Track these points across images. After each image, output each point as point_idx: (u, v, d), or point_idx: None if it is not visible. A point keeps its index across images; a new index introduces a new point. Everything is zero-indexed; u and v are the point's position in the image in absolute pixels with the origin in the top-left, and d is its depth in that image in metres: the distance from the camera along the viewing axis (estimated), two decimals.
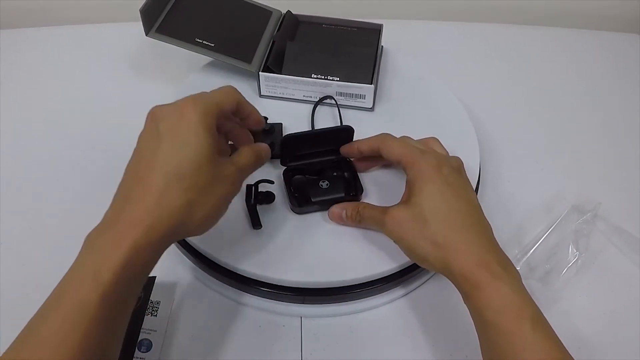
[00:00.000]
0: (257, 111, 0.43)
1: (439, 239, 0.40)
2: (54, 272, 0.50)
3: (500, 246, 0.41)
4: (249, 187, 0.48)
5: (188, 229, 0.36)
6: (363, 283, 0.46)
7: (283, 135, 0.53)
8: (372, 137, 0.48)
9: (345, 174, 0.50)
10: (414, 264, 0.47)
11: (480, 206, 0.43)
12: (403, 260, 0.46)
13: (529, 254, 0.52)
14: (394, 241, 0.44)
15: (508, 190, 0.59)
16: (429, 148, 0.46)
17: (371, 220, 0.45)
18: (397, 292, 0.49)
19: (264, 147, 0.43)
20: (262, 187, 0.49)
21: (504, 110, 0.68)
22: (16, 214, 0.55)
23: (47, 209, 0.56)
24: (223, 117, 0.40)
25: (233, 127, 0.43)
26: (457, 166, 0.44)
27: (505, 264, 0.40)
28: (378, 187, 0.51)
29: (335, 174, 0.50)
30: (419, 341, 0.47)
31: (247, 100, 0.41)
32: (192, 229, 0.37)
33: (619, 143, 0.65)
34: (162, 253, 0.36)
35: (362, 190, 0.49)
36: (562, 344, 0.37)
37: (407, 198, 0.43)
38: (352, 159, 0.50)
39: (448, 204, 0.41)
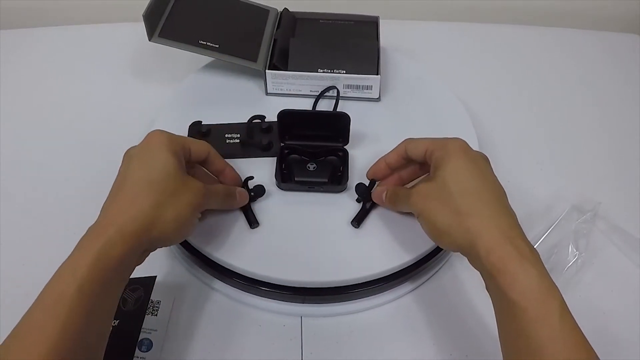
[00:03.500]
0: (233, 169, 0.48)
1: (464, 208, 0.39)
2: (53, 270, 0.50)
3: None
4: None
5: (159, 231, 0.39)
6: (363, 283, 0.46)
7: None
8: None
9: (338, 162, 0.51)
10: (414, 264, 0.47)
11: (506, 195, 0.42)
12: (403, 260, 0.46)
13: None
14: (417, 216, 0.43)
15: (508, 189, 0.58)
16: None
17: (403, 198, 0.45)
18: (397, 291, 0.49)
19: (241, 191, 0.48)
20: (251, 184, 0.49)
21: (504, 110, 0.68)
22: (16, 214, 0.55)
23: (47, 209, 0.56)
24: (191, 160, 0.45)
25: (212, 180, 0.48)
26: (485, 157, 0.44)
27: (529, 243, 0.38)
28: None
29: (327, 159, 0.52)
30: (419, 341, 0.47)
31: (221, 158, 0.47)
32: (163, 233, 0.39)
33: (618, 143, 0.65)
34: (138, 254, 0.39)
35: (347, 179, 0.49)
36: (587, 340, 0.35)
37: (433, 173, 0.43)
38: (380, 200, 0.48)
39: (475, 179, 0.40)
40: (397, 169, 0.48)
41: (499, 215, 0.39)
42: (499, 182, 0.42)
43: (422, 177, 0.47)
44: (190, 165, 0.45)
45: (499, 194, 0.41)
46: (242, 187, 0.48)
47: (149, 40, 0.55)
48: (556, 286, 0.36)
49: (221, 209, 0.48)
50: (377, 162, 0.48)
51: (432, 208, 0.41)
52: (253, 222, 0.47)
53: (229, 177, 0.48)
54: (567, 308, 0.35)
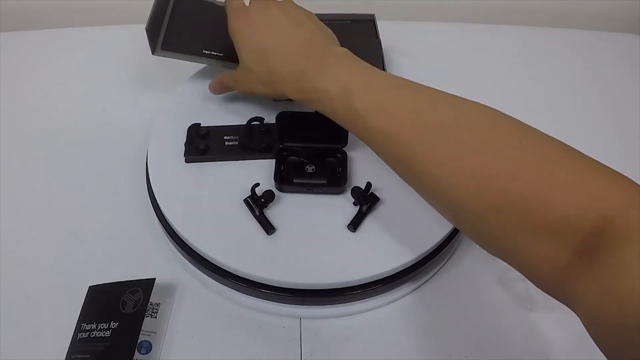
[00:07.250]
0: None
1: (265, 78, 0.46)
2: (54, 272, 0.51)
3: None
4: (246, 201, 0.48)
5: None
6: (362, 284, 0.46)
7: None
8: None
9: (336, 163, 0.51)
10: (413, 265, 0.47)
11: (298, 11, 0.48)
12: (402, 261, 0.46)
13: None
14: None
15: None
16: None
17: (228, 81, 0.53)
18: (397, 293, 0.49)
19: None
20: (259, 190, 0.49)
21: (504, 110, 0.67)
22: (16, 214, 0.55)
23: (46, 209, 0.56)
24: None
25: None
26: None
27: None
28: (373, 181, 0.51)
29: (325, 161, 0.51)
30: (419, 342, 0.47)
31: None
32: None
33: (619, 143, 0.65)
34: None
35: (345, 181, 0.49)
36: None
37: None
38: None
39: (256, 42, 0.46)
40: None
41: (291, 62, 0.45)
42: (278, 13, 0.47)
43: None
44: None
45: (283, 31, 0.46)
46: (250, 195, 0.48)
47: (152, 53, 0.54)
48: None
49: None
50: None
51: (248, 89, 0.50)
52: (269, 228, 0.47)
53: None
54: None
